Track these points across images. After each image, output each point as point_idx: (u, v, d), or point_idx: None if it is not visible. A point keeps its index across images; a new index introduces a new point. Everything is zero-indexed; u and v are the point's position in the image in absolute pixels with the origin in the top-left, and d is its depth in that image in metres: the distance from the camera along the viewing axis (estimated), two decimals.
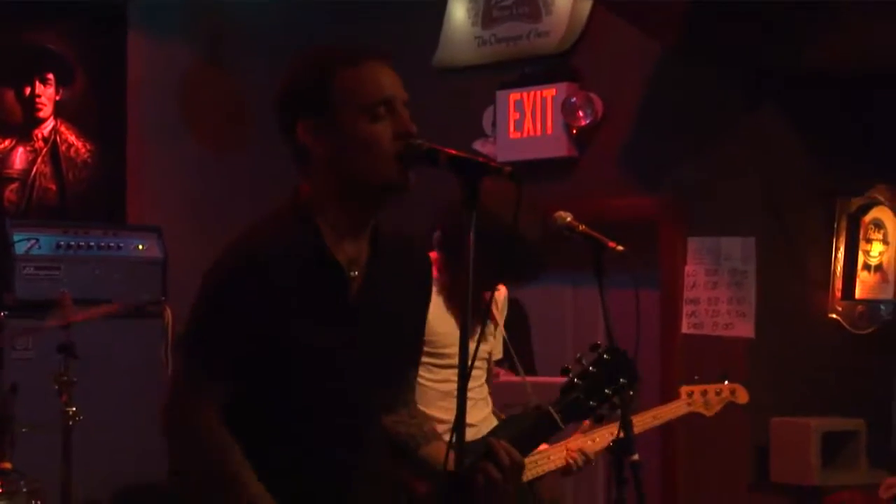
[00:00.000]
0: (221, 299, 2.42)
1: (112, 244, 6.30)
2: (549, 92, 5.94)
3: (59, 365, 5.09)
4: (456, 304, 3.58)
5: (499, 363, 4.08)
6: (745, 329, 5.48)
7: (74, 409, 5.07)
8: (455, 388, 2.30)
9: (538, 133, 5.98)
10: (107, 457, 5.75)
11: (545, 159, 5.94)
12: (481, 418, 3.74)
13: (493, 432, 3.64)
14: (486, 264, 2.40)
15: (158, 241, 6.44)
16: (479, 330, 3.21)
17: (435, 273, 3.50)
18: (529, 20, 6.13)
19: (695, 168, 5.62)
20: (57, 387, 5.07)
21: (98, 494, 5.79)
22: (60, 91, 6.96)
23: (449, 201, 3.24)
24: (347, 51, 2.48)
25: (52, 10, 6.91)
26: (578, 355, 2.77)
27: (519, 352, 4.02)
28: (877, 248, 5.68)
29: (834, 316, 5.65)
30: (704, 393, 4.21)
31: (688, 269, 5.65)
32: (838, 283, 5.64)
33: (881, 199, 5.70)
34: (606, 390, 2.71)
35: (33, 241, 6.08)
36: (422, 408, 2.96)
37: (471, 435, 3.07)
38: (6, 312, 5.80)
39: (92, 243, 6.25)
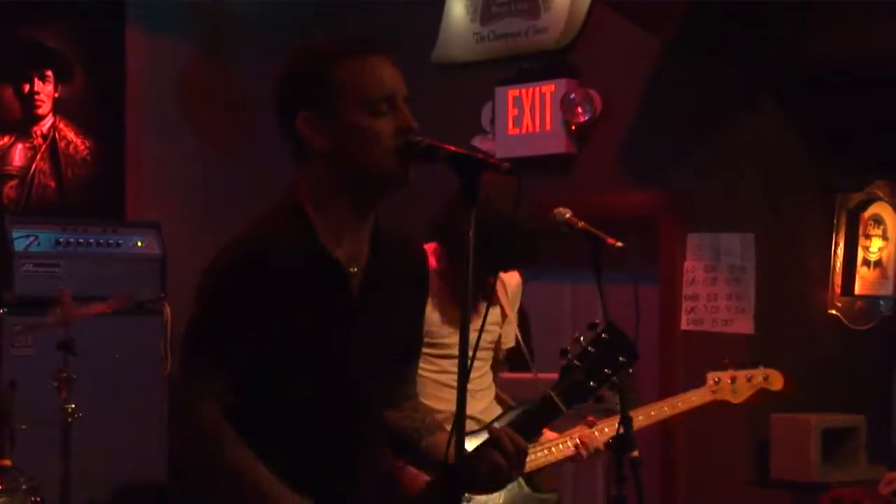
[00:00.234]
0: (221, 298, 2.41)
1: (111, 241, 6.28)
2: (548, 88, 5.94)
3: (58, 362, 5.09)
4: (454, 295, 3.55)
5: (511, 353, 3.99)
6: (744, 325, 5.48)
7: (74, 405, 5.07)
8: (452, 378, 2.29)
9: (537, 129, 5.98)
10: (106, 454, 5.74)
11: (544, 155, 5.94)
12: (481, 409, 3.70)
13: (495, 420, 3.62)
14: (485, 252, 2.39)
15: (157, 237, 6.42)
16: (478, 319, 3.19)
17: (433, 263, 3.50)
18: (528, 16, 6.13)
19: (694, 164, 5.62)
20: (56, 384, 5.07)
21: (97, 491, 5.78)
22: (59, 88, 6.94)
23: (449, 192, 3.23)
24: (350, 44, 2.46)
25: (50, 7, 6.88)
26: (577, 335, 2.75)
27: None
28: (876, 244, 5.68)
29: (833, 312, 5.65)
30: (734, 380, 3.93)
31: (687, 265, 5.65)
32: (838, 279, 5.64)
33: (880, 194, 5.70)
34: (606, 370, 2.69)
35: (32, 238, 6.07)
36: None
37: (471, 427, 3.07)
38: (5, 309, 5.79)
39: (91, 240, 6.23)
